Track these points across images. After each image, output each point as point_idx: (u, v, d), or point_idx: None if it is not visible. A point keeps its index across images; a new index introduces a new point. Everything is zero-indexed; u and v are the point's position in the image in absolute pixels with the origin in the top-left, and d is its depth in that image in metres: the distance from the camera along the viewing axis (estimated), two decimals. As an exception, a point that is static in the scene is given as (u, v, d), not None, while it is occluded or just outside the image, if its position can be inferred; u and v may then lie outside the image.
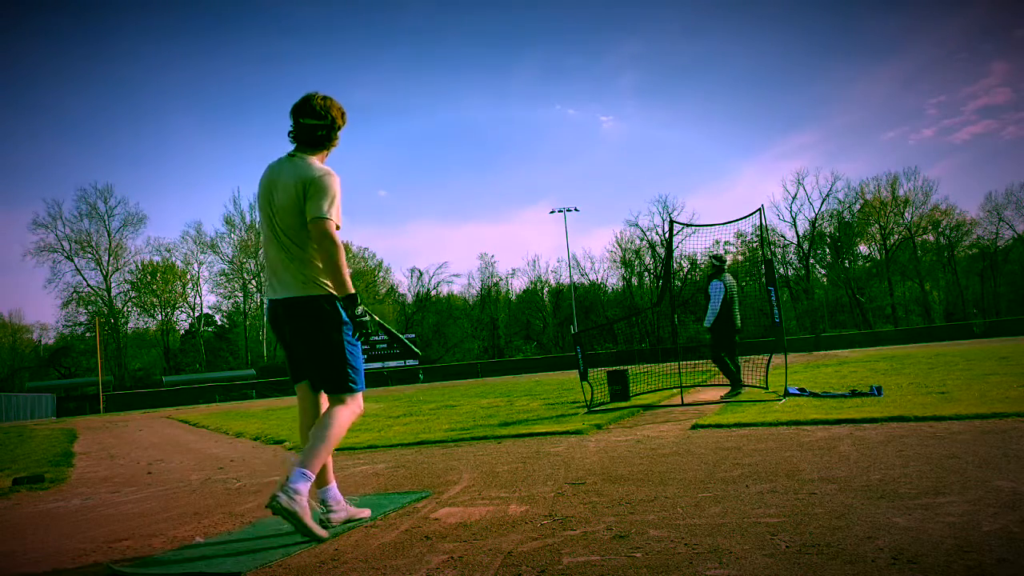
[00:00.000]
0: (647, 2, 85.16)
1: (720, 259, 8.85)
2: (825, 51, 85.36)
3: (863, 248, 68.18)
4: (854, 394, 7.25)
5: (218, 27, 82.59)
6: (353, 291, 2.93)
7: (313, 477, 2.81)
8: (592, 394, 8.85)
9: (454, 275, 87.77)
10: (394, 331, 3.19)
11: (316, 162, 3.03)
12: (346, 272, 2.92)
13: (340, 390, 3.01)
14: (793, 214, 69.02)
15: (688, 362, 10.62)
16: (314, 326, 2.97)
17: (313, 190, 2.91)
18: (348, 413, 3.02)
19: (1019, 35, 75.34)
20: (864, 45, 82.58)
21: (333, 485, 3.09)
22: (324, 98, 3.08)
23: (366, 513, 3.16)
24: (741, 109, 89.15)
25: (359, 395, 3.07)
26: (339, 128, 3.12)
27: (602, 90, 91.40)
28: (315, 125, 3.04)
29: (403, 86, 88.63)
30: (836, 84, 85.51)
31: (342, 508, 3.06)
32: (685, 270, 50.70)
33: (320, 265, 2.96)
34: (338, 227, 2.92)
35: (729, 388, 8.75)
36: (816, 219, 66.44)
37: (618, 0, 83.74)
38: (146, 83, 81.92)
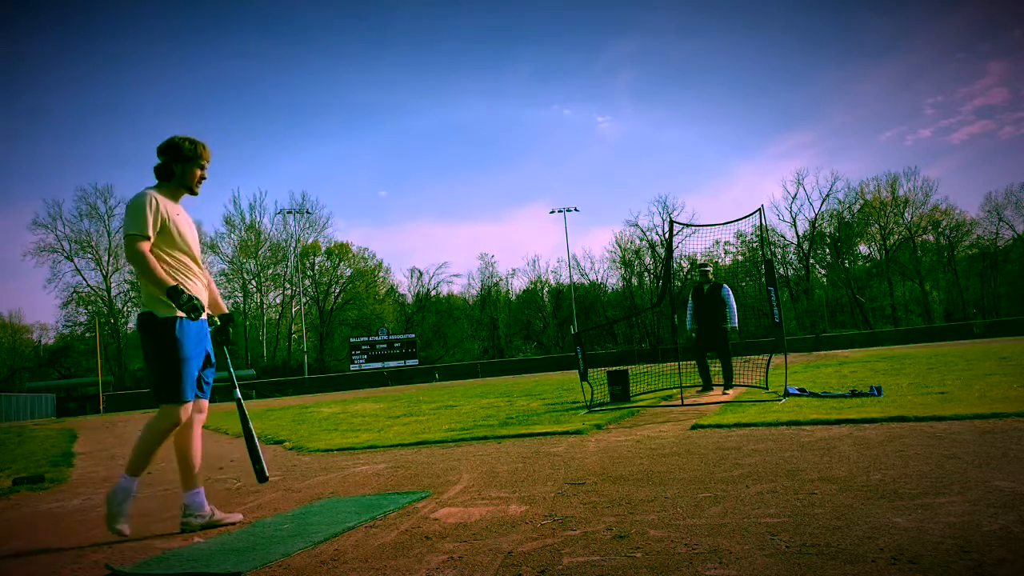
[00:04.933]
0: (642, 1, 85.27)
1: (700, 271, 9.57)
2: (821, 50, 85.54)
3: (863, 248, 68.26)
4: (854, 394, 7.25)
5: (216, 28, 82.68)
6: None
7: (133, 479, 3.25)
8: (592, 394, 8.85)
9: (454, 275, 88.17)
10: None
11: None
12: None
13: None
14: (793, 214, 69.08)
15: (688, 362, 10.62)
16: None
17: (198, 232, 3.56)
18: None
19: (1016, 35, 75.40)
20: (860, 44, 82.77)
21: (199, 491, 3.37)
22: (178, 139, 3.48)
23: (235, 518, 3.41)
24: (738, 108, 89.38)
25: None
26: (174, 164, 3.44)
27: (598, 90, 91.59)
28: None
29: (402, 86, 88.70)
30: (833, 83, 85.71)
31: (203, 514, 3.33)
32: (685, 270, 50.71)
33: None
34: (140, 237, 3.32)
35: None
36: (816, 219, 66.47)
37: None
38: (145, 83, 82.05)
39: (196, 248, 3.47)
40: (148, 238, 3.21)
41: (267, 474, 3.55)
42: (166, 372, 3.23)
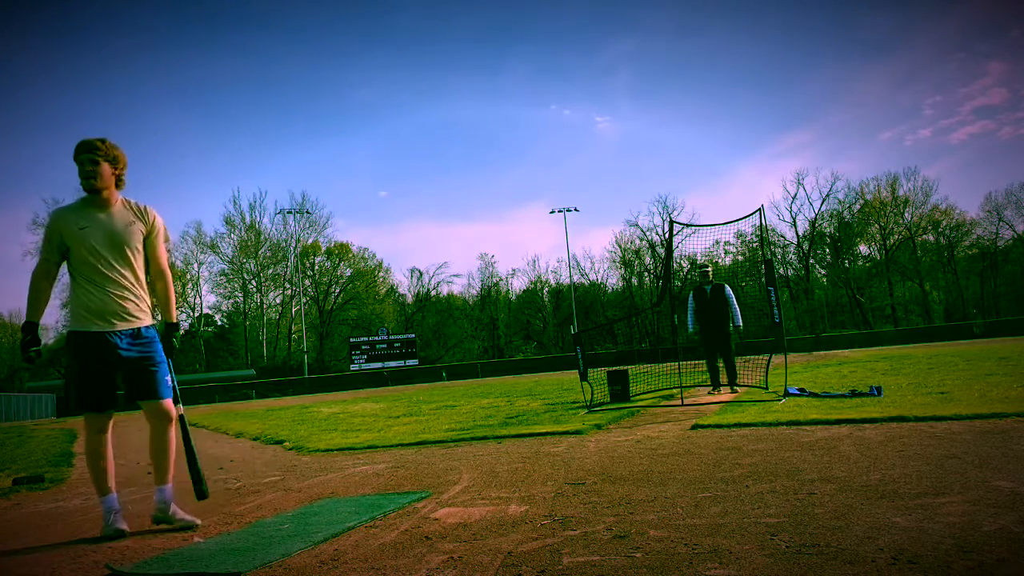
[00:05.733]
0: (641, 0, 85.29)
1: (700, 272, 9.59)
2: (821, 49, 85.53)
3: (863, 248, 68.22)
4: (854, 394, 7.25)
5: (215, 28, 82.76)
6: None
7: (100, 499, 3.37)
8: (592, 394, 8.85)
9: (454, 275, 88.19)
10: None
11: None
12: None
13: None
14: (793, 214, 69.09)
15: (688, 362, 10.62)
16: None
17: None
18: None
19: (1015, 35, 75.36)
20: (860, 44, 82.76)
21: (163, 488, 3.48)
22: None
23: (193, 520, 3.43)
24: (737, 107, 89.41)
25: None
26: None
27: (597, 89, 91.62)
28: None
29: (401, 86, 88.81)
30: (832, 83, 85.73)
31: (162, 509, 3.45)
32: (685, 270, 50.75)
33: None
34: (43, 261, 3.41)
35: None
36: (816, 219, 66.45)
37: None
38: (144, 83, 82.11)
39: (114, 254, 3.35)
40: (46, 260, 3.35)
41: (207, 492, 3.60)
42: (66, 384, 3.42)
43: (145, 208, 3.54)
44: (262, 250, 68.12)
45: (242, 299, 67.59)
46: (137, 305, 3.44)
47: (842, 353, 28.41)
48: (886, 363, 14.25)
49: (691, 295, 9.45)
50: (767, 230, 11.44)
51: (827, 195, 65.82)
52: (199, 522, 3.44)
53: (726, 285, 9.23)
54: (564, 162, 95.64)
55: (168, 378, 3.51)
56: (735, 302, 9.14)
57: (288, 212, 65.83)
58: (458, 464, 4.82)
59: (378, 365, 56.46)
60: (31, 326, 3.30)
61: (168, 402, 3.49)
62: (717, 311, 9.08)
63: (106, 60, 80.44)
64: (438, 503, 3.44)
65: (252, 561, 2.54)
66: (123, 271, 3.39)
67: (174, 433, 3.55)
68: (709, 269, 9.53)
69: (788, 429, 5.13)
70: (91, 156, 3.33)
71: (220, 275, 67.52)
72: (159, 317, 3.66)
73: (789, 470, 3.51)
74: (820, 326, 60.57)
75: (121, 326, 3.36)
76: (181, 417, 3.61)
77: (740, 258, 55.61)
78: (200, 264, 66.96)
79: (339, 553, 2.59)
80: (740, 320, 9.13)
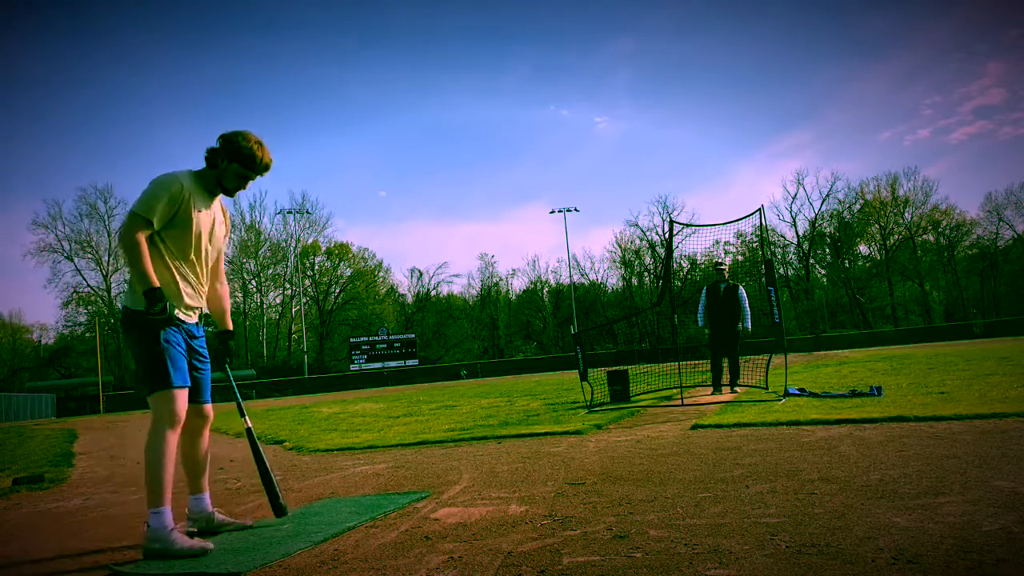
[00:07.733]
0: (640, 0, 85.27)
1: (716, 269, 9.57)
2: (820, 49, 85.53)
3: (863, 248, 68.26)
4: (854, 394, 7.25)
5: (215, 27, 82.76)
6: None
7: (161, 509, 2.82)
8: (592, 394, 8.85)
9: (454, 275, 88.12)
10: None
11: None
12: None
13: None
14: (793, 214, 69.05)
15: (688, 362, 10.62)
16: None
17: None
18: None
19: (1014, 35, 75.34)
20: (859, 44, 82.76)
21: (202, 496, 3.25)
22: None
23: (244, 522, 3.24)
24: (737, 107, 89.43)
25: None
26: (221, 157, 3.10)
27: (596, 89, 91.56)
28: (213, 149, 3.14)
29: (401, 86, 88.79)
30: (830, 83, 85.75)
31: (205, 518, 3.20)
32: (685, 270, 50.74)
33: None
34: (144, 222, 2.88)
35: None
36: (816, 219, 66.47)
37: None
38: (145, 83, 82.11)
39: (210, 252, 3.19)
40: (150, 223, 2.87)
41: (286, 509, 3.24)
42: (152, 358, 2.90)
43: (226, 210, 3.33)
44: (262, 250, 68.16)
45: (242, 299, 67.57)
46: (203, 301, 3.28)
47: (842, 353, 28.41)
48: (886, 363, 14.25)
49: (704, 291, 9.38)
50: (767, 230, 11.44)
51: (827, 195, 65.92)
52: (251, 522, 3.24)
53: (740, 287, 9.20)
54: (563, 162, 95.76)
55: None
56: (747, 305, 9.09)
57: (288, 212, 65.91)
58: (458, 464, 4.82)
59: (378, 365, 56.45)
60: (157, 292, 2.83)
61: (210, 406, 3.30)
62: (728, 310, 9.05)
63: (106, 60, 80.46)
64: (438, 503, 3.44)
65: (252, 561, 2.54)
66: (207, 265, 3.20)
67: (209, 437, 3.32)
68: (726, 268, 9.42)
69: (788, 429, 5.13)
70: (262, 176, 3.19)
71: (220, 275, 67.49)
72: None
73: (789, 470, 3.51)
74: (820, 326, 60.57)
75: (191, 320, 3.18)
76: (249, 430, 3.42)
77: (740, 258, 55.60)
78: (200, 264, 66.93)
79: (339, 553, 2.59)
80: (749, 324, 9.08)
